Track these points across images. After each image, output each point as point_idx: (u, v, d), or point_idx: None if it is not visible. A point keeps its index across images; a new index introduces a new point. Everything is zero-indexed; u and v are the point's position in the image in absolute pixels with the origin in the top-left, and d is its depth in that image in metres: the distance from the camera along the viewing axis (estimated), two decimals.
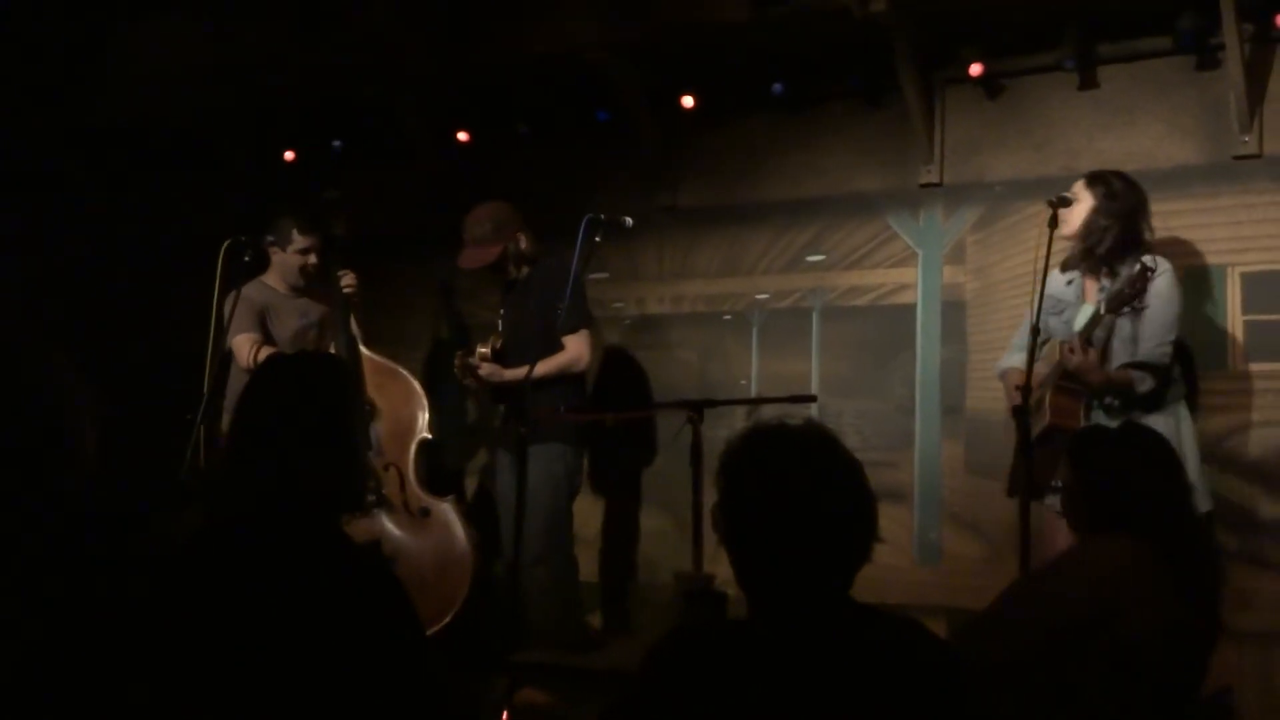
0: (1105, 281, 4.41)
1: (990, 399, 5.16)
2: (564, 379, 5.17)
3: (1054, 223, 4.29)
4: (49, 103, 6.55)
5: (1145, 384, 4.27)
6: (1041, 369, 4.47)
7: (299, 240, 5.40)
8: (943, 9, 5.06)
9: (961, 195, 5.38)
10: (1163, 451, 3.16)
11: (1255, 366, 4.73)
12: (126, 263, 6.69)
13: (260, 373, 2.56)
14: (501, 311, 5.30)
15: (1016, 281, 5.16)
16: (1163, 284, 4.29)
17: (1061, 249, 4.51)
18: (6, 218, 6.59)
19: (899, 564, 5.26)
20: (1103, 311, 4.18)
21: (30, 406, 2.17)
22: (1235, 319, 4.75)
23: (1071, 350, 4.22)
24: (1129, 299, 4.14)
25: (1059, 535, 4.08)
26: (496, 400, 5.43)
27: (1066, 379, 4.31)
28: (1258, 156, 4.79)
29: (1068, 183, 4.82)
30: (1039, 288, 4.14)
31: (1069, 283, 4.52)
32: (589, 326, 5.30)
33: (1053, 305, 4.51)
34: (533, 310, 5.18)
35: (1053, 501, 4.19)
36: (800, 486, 2.04)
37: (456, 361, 5.25)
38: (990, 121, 5.33)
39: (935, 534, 5.31)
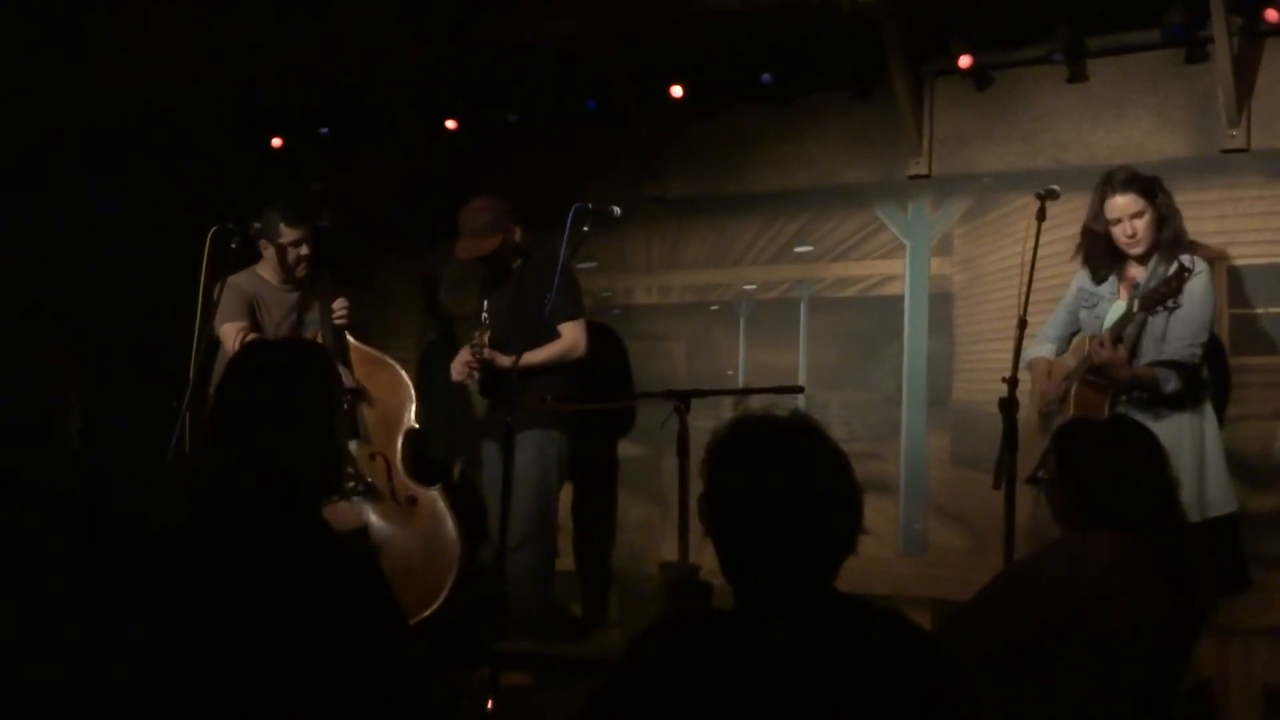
0: (1142, 278, 4.37)
1: (977, 391, 5.17)
2: (560, 367, 5.18)
3: (1042, 215, 4.28)
4: (34, 91, 6.52)
5: (1171, 384, 4.24)
6: (1070, 361, 4.48)
7: (287, 233, 5.38)
8: (932, 1, 5.05)
9: (950, 187, 5.38)
10: (1149, 445, 3.15)
11: (1241, 360, 4.74)
12: (112, 249, 6.67)
13: (240, 357, 2.55)
14: (485, 303, 5.27)
15: (1004, 274, 5.17)
16: (1198, 284, 4.26)
17: (1051, 241, 4.51)
18: None
19: (884, 555, 5.27)
20: (1135, 309, 4.14)
21: (16, 394, 2.16)
22: (1222, 313, 4.75)
23: (1101, 345, 4.21)
24: (1163, 298, 4.09)
25: None
26: (486, 391, 5.42)
27: (1093, 374, 4.31)
28: (1245, 150, 4.80)
29: (1056, 175, 4.83)
30: (1026, 281, 4.15)
31: (1102, 278, 4.52)
32: (584, 315, 5.31)
33: (1085, 299, 4.53)
34: (528, 301, 5.17)
35: None
36: (786, 477, 2.03)
37: (466, 355, 5.20)
38: (979, 114, 5.33)
39: (921, 525, 5.32)
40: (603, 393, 5.51)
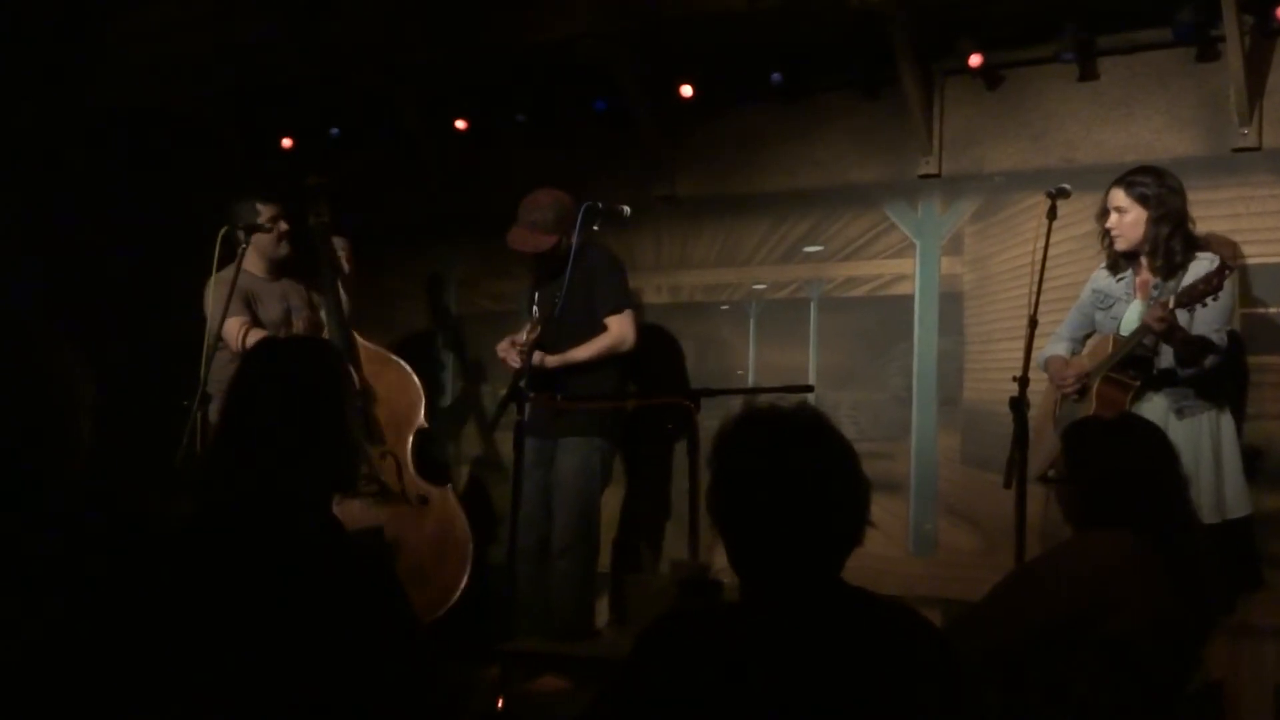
0: (1158, 278, 4.40)
1: (987, 390, 5.16)
2: (610, 362, 5.14)
3: (1052, 214, 4.29)
4: (46, 88, 6.54)
5: (1212, 353, 4.25)
6: (1085, 363, 4.48)
7: (265, 211, 5.36)
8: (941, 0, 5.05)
9: (959, 186, 5.37)
10: (1157, 444, 3.15)
11: (1253, 359, 4.72)
12: (122, 248, 6.68)
13: (250, 356, 2.55)
14: (537, 296, 5.13)
15: (1014, 273, 5.16)
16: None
17: (1061, 240, 4.51)
18: (3, 202, 6.58)
19: (894, 555, 5.26)
20: (1173, 306, 4.14)
21: (30, 393, 2.16)
22: (1233, 312, 4.74)
23: (1162, 308, 4.16)
24: (1201, 295, 4.09)
25: None
26: (514, 394, 5.32)
27: (1118, 370, 4.33)
28: (1257, 149, 4.78)
29: (1066, 174, 4.82)
30: (1037, 280, 4.15)
31: (1120, 279, 4.53)
32: (633, 308, 5.26)
33: (1101, 300, 4.56)
34: (579, 298, 5.06)
35: None
36: (791, 468, 2.04)
37: (514, 355, 5.03)
38: (989, 112, 5.32)
39: (930, 525, 5.31)
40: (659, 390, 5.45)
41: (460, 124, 6.16)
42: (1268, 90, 4.79)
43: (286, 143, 6.53)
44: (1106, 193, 4.49)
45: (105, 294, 6.52)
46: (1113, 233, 4.46)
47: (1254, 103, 4.77)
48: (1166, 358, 4.30)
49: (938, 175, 5.39)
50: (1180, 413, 4.29)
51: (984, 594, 3.05)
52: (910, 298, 5.44)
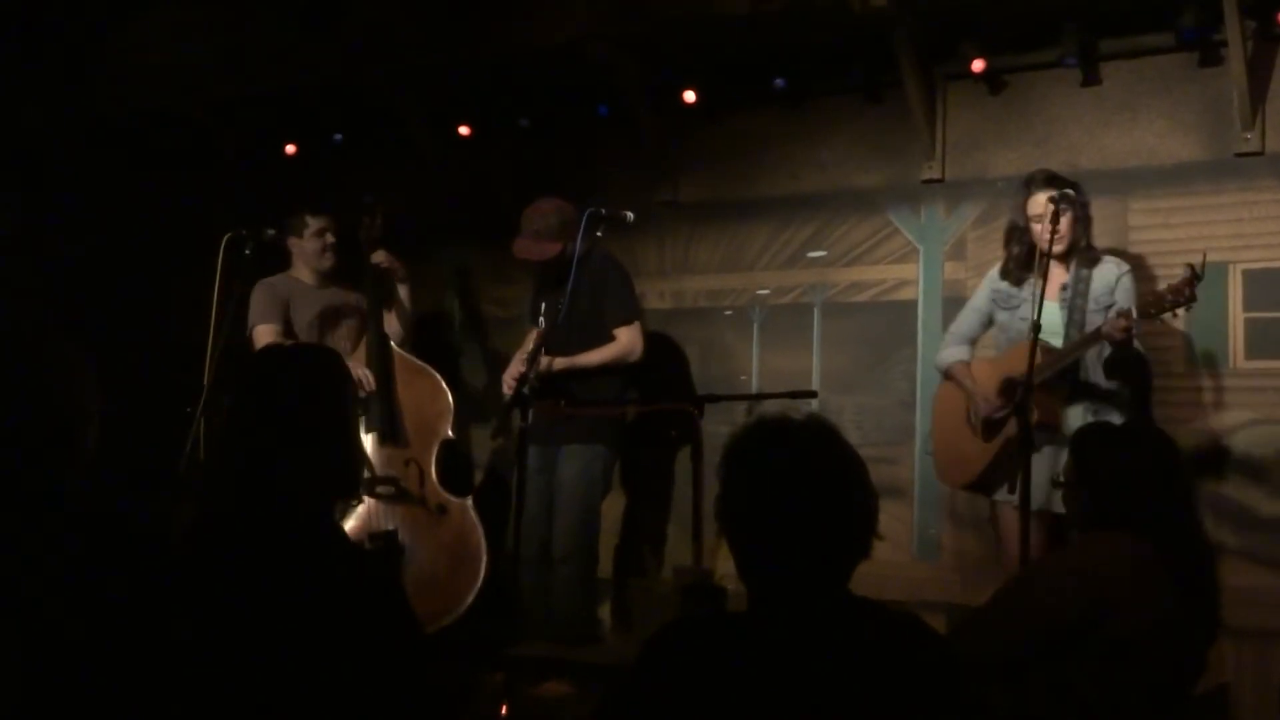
0: (1067, 279, 4.44)
1: None
2: (616, 371, 5.16)
3: (1055, 219, 4.28)
4: (51, 95, 6.55)
5: (1143, 364, 4.39)
6: (1005, 368, 4.46)
7: (312, 223, 5.49)
8: (944, 4, 5.05)
9: (963, 191, 5.37)
10: (1165, 450, 3.15)
11: (1256, 364, 4.73)
12: (127, 255, 6.69)
13: (252, 364, 2.56)
14: (543, 306, 5.17)
15: None
16: (1129, 280, 4.45)
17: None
18: (8, 209, 6.59)
19: (899, 560, 5.26)
20: (1136, 315, 4.14)
21: (36, 403, 2.17)
22: (1236, 316, 4.75)
23: (1121, 318, 4.15)
24: (1171, 306, 4.08)
25: (1012, 530, 4.17)
26: (518, 400, 5.30)
27: (1057, 377, 4.32)
28: (1260, 154, 4.79)
29: (1070, 179, 4.82)
30: (1039, 283, 4.14)
31: (1021, 280, 4.55)
32: (641, 318, 5.29)
33: (1004, 299, 4.57)
34: (583, 304, 5.09)
35: (1006, 498, 4.32)
36: (801, 479, 2.04)
37: (520, 366, 5.09)
38: (992, 117, 5.33)
39: (935, 530, 5.31)
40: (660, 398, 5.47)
41: (464, 129, 6.16)
42: (1270, 95, 4.79)
43: (290, 149, 6.54)
44: (1025, 200, 4.49)
45: (109, 300, 6.52)
46: (1058, 234, 4.36)
47: (1256, 107, 4.77)
48: (1090, 360, 4.34)
49: (941, 180, 5.39)
50: (1097, 414, 4.30)
51: (987, 598, 3.05)
52: (914, 303, 5.44)
